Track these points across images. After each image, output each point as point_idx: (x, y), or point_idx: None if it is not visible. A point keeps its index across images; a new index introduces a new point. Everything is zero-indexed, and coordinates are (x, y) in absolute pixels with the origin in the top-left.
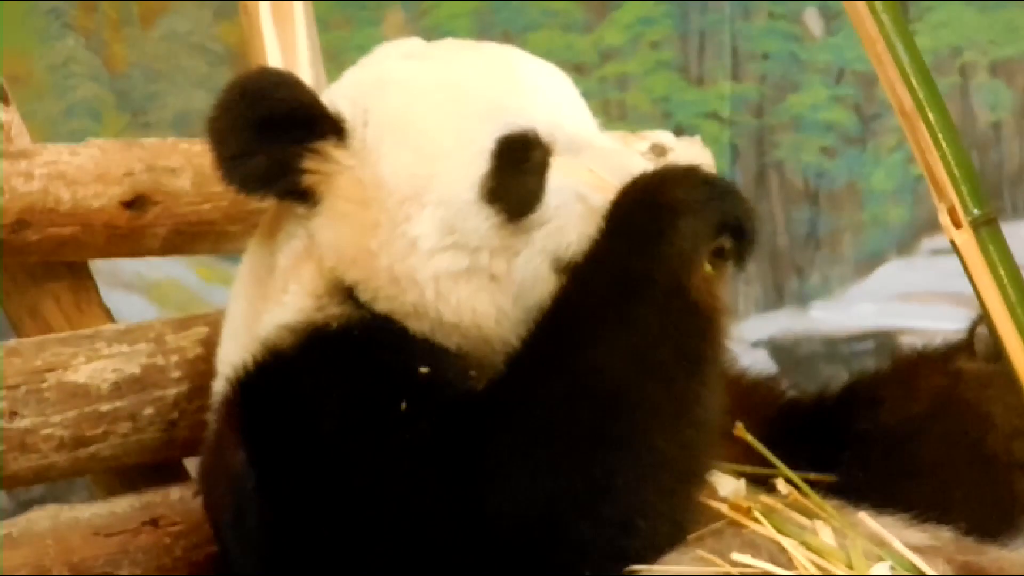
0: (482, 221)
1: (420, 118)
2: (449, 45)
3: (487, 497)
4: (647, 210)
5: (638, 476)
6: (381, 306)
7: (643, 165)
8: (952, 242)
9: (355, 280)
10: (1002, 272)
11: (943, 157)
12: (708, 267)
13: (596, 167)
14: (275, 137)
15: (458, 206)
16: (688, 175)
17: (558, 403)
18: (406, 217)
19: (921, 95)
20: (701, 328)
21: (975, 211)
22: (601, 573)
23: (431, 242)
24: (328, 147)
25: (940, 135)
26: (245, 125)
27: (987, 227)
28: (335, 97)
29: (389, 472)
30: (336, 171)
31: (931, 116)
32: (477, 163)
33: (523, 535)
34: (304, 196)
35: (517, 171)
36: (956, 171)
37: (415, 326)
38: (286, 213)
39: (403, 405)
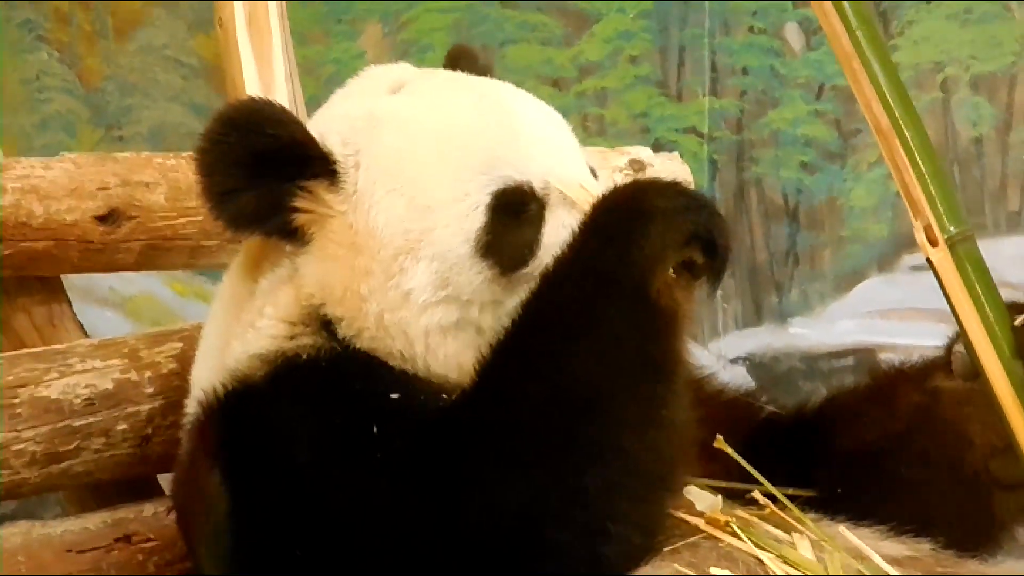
0: (476, 275)
1: (414, 167)
2: (442, 79)
3: (463, 509)
4: (620, 214)
5: (608, 481)
6: (363, 344)
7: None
8: (928, 260)
9: (338, 316)
10: (979, 290)
11: (919, 175)
12: (673, 275)
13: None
14: (265, 174)
15: (453, 260)
16: (666, 186)
17: (526, 410)
18: (400, 270)
19: (897, 113)
20: (663, 331)
21: (951, 229)
22: None
23: (425, 296)
24: (319, 188)
25: (916, 153)
26: (235, 161)
27: (964, 245)
28: (324, 131)
29: (364, 493)
30: (327, 214)
31: (907, 134)
32: (472, 217)
33: (499, 544)
34: (293, 234)
35: (512, 225)
36: (932, 189)
37: (394, 363)
38: (273, 245)
39: (374, 429)
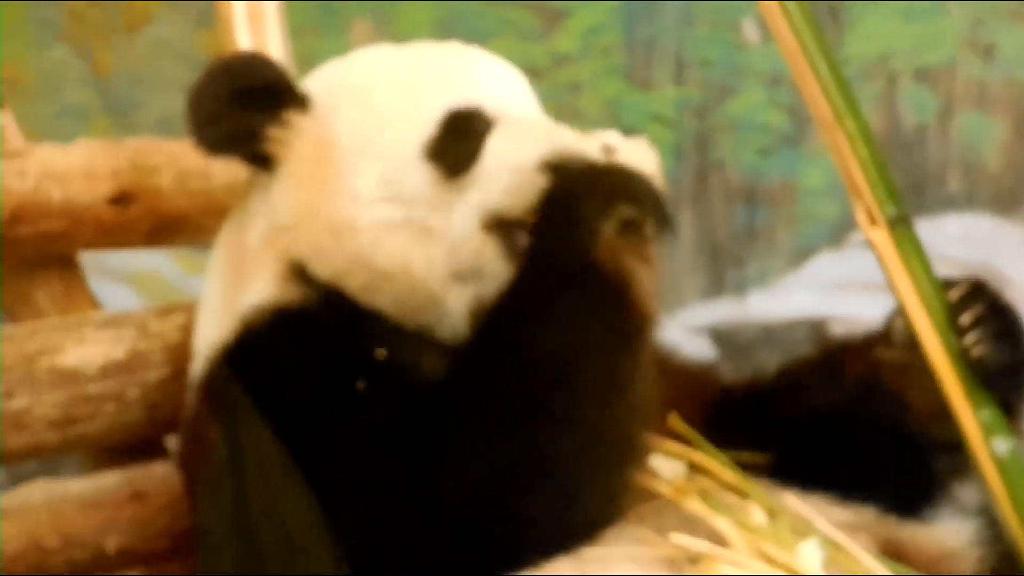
0: (420, 177)
1: (378, 86)
2: (415, 44)
3: (439, 475)
4: (554, 207)
5: (574, 451)
6: (325, 273)
7: (571, 136)
8: (869, 239)
9: (304, 254)
10: (915, 266)
11: (859, 162)
12: (619, 240)
13: (529, 133)
14: (245, 107)
15: (400, 162)
16: (584, 170)
17: (499, 386)
18: (351, 169)
19: (839, 106)
20: (614, 299)
21: (889, 211)
22: (544, 545)
23: (370, 192)
24: (291, 115)
25: (857, 142)
26: (219, 95)
27: (901, 225)
28: (308, 82)
29: (347, 451)
30: (296, 135)
31: (848, 125)
32: (424, 128)
33: (472, 511)
34: (266, 162)
35: (459, 138)
36: (872, 175)
37: (362, 295)
38: (253, 193)
39: (360, 386)
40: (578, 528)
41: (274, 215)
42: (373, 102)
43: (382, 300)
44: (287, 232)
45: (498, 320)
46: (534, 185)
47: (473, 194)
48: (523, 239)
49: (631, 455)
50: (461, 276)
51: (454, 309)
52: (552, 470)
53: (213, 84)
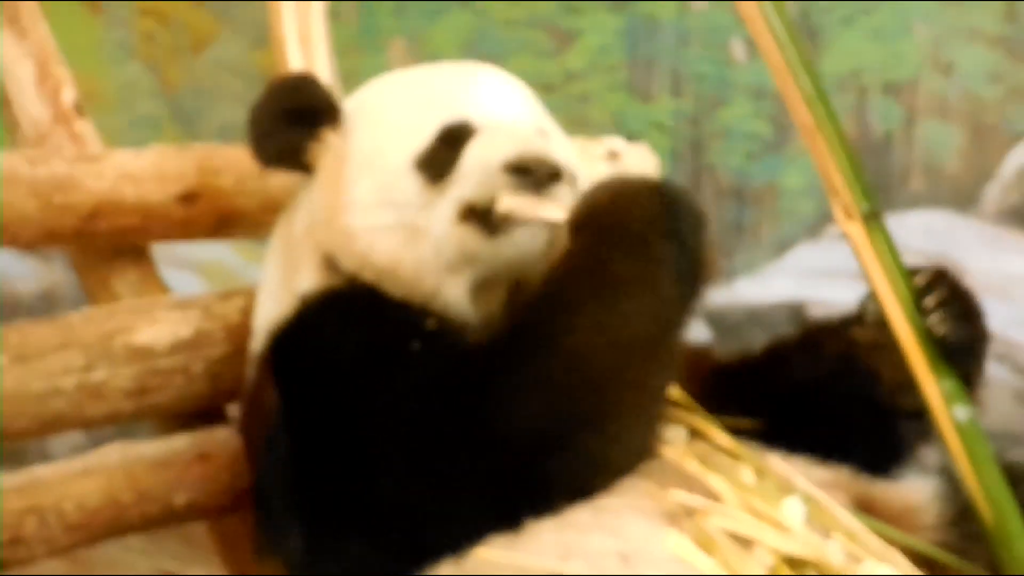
0: (411, 184)
1: (388, 106)
2: (438, 65)
3: (490, 424)
4: (618, 224)
5: (615, 402)
6: (348, 265)
7: (539, 142)
8: (845, 231)
9: (331, 248)
10: (885, 255)
11: (836, 164)
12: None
13: (501, 138)
14: (293, 124)
15: (394, 172)
16: (650, 193)
17: (547, 352)
18: (353, 181)
19: (818, 114)
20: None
21: (863, 207)
22: (580, 486)
23: (367, 199)
24: (326, 132)
25: (835, 146)
26: (271, 114)
27: (873, 219)
28: (350, 101)
29: (402, 406)
30: (325, 149)
31: (827, 130)
32: (419, 142)
33: (522, 456)
34: (304, 167)
35: (445, 147)
36: (848, 175)
37: (377, 286)
38: (300, 192)
39: (413, 346)
40: (608, 472)
41: (311, 214)
42: (380, 121)
43: (392, 291)
44: (320, 229)
45: (556, 288)
46: (499, 180)
47: (451, 192)
48: (497, 220)
49: (658, 411)
50: (452, 267)
51: (454, 295)
52: (595, 419)
53: (266, 105)
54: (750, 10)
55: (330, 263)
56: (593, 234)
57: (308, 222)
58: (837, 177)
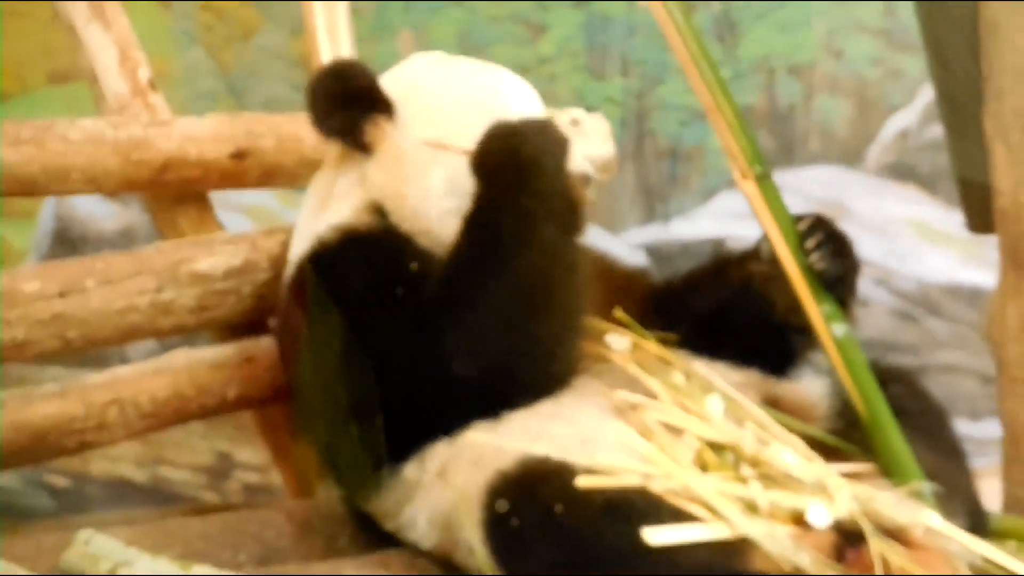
0: (469, 175)
1: (442, 114)
2: (464, 62)
3: (453, 346)
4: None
5: (549, 322)
6: (405, 227)
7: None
8: (742, 188)
9: (390, 208)
10: (775, 207)
11: (734, 134)
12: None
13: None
14: (350, 105)
15: (459, 169)
16: (533, 128)
17: (490, 281)
18: (424, 172)
19: (717, 94)
20: (575, 217)
21: (756, 169)
22: (527, 392)
23: (440, 189)
24: (382, 119)
25: (731, 122)
26: (330, 96)
27: (764, 179)
28: (388, 84)
29: (390, 333)
30: (385, 136)
31: (725, 110)
32: (475, 140)
33: (479, 376)
34: (363, 147)
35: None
36: (743, 143)
37: (420, 240)
38: (347, 159)
39: (414, 267)
40: (550, 380)
41: (365, 181)
42: (441, 123)
43: (425, 244)
44: (377, 189)
45: (482, 229)
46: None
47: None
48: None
49: (581, 328)
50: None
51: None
52: (534, 339)
53: (324, 86)
54: (661, 13)
55: (375, 208)
56: (483, 179)
57: (360, 184)
58: (734, 146)
